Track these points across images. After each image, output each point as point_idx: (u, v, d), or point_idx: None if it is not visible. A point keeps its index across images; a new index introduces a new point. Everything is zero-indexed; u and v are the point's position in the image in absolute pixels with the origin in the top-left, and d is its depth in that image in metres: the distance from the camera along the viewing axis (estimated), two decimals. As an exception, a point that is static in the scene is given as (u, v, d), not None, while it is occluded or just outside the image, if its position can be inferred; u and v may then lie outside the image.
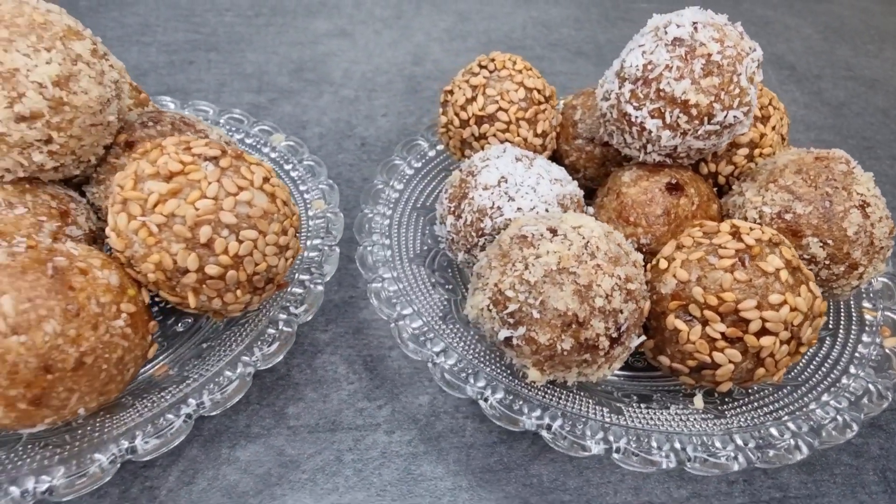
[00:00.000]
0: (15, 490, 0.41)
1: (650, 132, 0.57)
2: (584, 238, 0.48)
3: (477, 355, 0.54)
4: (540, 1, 1.41)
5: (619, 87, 0.58)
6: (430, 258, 0.65)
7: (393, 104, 1.02)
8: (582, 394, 0.52)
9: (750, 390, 0.54)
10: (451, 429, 0.56)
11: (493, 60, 0.67)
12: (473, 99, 0.66)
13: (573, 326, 0.46)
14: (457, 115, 0.67)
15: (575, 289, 0.46)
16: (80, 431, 0.46)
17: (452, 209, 0.60)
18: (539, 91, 0.67)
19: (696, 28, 0.55)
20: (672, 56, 0.54)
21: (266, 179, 0.50)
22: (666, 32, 0.55)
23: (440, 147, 0.78)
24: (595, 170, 0.69)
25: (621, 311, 0.48)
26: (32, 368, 0.41)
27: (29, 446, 0.46)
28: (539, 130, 0.66)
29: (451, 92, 0.69)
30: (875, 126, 1.08)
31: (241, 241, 0.47)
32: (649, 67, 0.55)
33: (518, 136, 0.66)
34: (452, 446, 0.55)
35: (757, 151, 0.64)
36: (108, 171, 0.57)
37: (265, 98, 1.01)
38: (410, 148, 0.76)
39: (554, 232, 0.49)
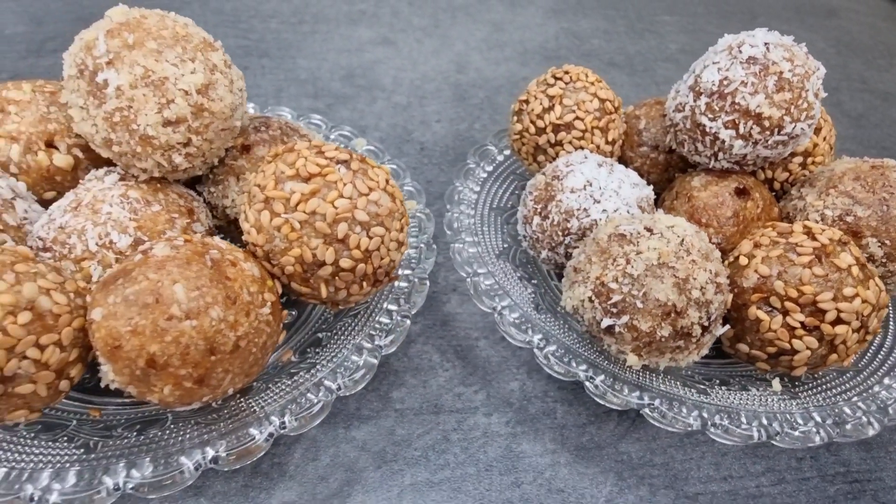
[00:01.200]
0: (186, 461, 0.45)
1: (723, 141, 0.62)
2: (678, 236, 0.54)
3: (572, 342, 0.59)
4: (568, 12, 1.47)
5: (695, 101, 0.63)
6: (511, 255, 0.70)
7: (444, 111, 1.06)
8: (669, 377, 0.57)
9: (816, 375, 0.59)
10: (543, 411, 0.61)
11: (567, 73, 0.73)
12: (551, 108, 0.71)
13: (672, 315, 0.52)
14: (533, 123, 0.72)
15: (674, 281, 0.52)
16: (224, 411, 0.51)
17: (539, 210, 0.65)
18: (610, 102, 0.72)
19: (768, 48, 0.60)
20: (747, 73, 0.60)
21: (387, 181, 0.55)
22: (740, 51, 0.61)
23: (507, 152, 0.83)
24: (658, 175, 0.75)
25: (712, 302, 0.53)
26: (200, 350, 0.46)
27: (179, 423, 0.50)
28: (610, 138, 0.72)
29: (527, 102, 0.74)
30: (893, 137, 1.15)
31: (370, 238, 0.52)
32: (725, 83, 0.61)
33: (592, 143, 0.71)
34: (546, 427, 0.60)
35: (810, 160, 0.70)
36: (225, 173, 0.61)
37: (322, 103, 1.05)
38: (482, 153, 0.81)
39: (651, 231, 0.54)
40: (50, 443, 0.48)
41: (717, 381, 0.58)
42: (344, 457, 0.56)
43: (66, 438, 0.48)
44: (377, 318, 0.58)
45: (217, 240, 0.51)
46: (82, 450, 0.47)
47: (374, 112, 1.04)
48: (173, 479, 0.45)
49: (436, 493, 0.54)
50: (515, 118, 0.75)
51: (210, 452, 0.46)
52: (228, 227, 0.63)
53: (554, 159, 0.72)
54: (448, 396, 0.61)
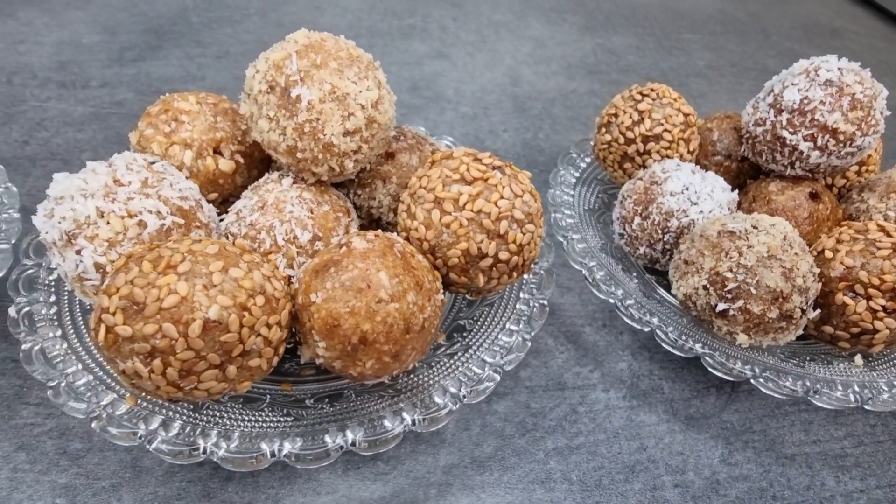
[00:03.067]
0: (389, 424, 0.53)
1: (801, 152, 0.72)
2: (781, 233, 0.63)
3: (681, 326, 0.67)
4: (599, 29, 1.57)
5: (776, 116, 0.73)
6: (608, 251, 0.78)
7: (507, 121, 1.15)
8: (767, 353, 0.66)
9: (887, 352, 0.69)
10: (651, 387, 0.69)
11: (653, 90, 0.82)
12: (640, 121, 0.80)
13: (779, 300, 0.61)
14: (622, 134, 0.81)
15: (782, 271, 0.61)
16: (398, 386, 0.58)
17: (639, 211, 0.74)
18: (691, 115, 0.81)
19: (841, 72, 0.70)
20: (825, 93, 0.70)
21: (531, 185, 0.63)
22: (818, 75, 0.71)
23: (588, 159, 0.91)
24: (730, 181, 0.84)
25: (810, 289, 0.62)
26: (400, 329, 0.53)
27: (364, 396, 0.57)
28: (690, 148, 0.81)
29: (616, 115, 0.83)
30: (906, 148, 1.27)
31: (524, 233, 0.60)
32: (805, 102, 0.70)
33: (676, 152, 0.80)
34: (657, 401, 0.68)
35: (864, 168, 0.81)
36: (372, 177, 0.68)
37: (397, 114, 1.12)
38: (568, 161, 0.89)
39: (756, 228, 0.63)
40: (258, 412, 0.54)
41: (807, 358, 0.67)
42: (491, 427, 0.63)
43: (269, 409, 0.55)
44: (516, 306, 0.66)
45: (394, 235, 0.59)
46: (290, 418, 0.54)
47: (445, 122, 1.12)
48: (384, 440, 0.52)
49: (576, 455, 0.62)
50: (604, 130, 0.84)
51: (408, 418, 0.53)
52: (370, 226, 0.71)
53: (640, 167, 0.81)
54: (568, 375, 0.70)
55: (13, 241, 0.64)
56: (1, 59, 1.09)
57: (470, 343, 0.62)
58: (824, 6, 1.96)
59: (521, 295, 0.67)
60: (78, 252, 0.53)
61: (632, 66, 1.42)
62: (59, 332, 0.57)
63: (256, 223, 0.59)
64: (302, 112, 0.58)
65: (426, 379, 0.59)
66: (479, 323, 0.65)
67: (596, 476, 0.60)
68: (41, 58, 1.12)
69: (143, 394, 0.52)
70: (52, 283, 0.61)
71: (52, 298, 0.60)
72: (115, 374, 0.50)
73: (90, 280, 0.54)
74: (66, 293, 0.61)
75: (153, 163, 0.59)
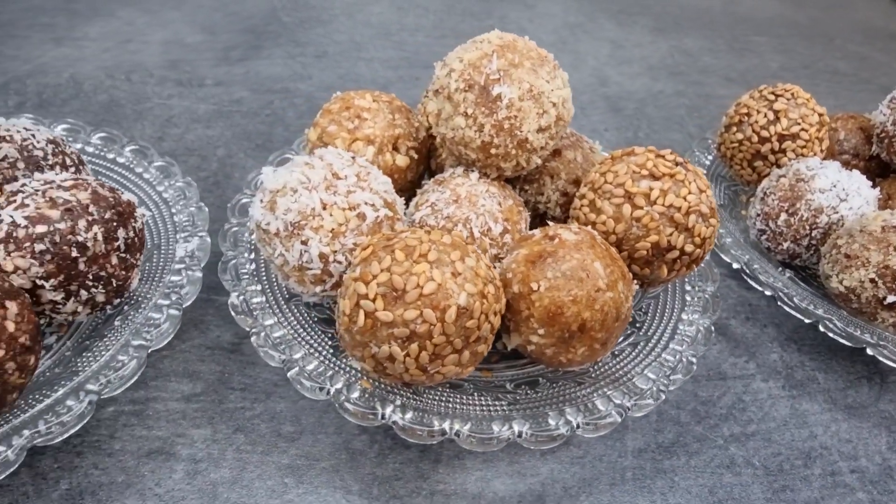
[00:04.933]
0: (602, 407, 0.55)
1: (944, 151, 0.75)
2: (945, 227, 0.65)
3: (843, 317, 0.70)
4: (670, 31, 1.60)
5: (917, 116, 0.75)
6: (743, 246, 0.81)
7: (607, 121, 1.17)
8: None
9: None
10: (806, 378, 0.72)
11: (786, 90, 0.84)
12: (776, 120, 0.82)
13: (949, 292, 0.63)
14: (756, 133, 0.84)
15: (953, 264, 0.63)
16: (592, 374, 0.60)
17: (786, 208, 0.76)
18: (824, 115, 0.84)
19: None
20: (973, 94, 0.72)
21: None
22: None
23: (710, 157, 0.94)
24: (856, 179, 0.87)
25: (974, 282, 0.65)
26: (612, 317, 0.55)
27: (558, 383, 0.59)
28: (823, 147, 0.84)
29: (748, 115, 0.85)
30: None
31: (708, 227, 0.62)
32: (952, 102, 0.73)
33: (812, 151, 0.82)
34: (815, 391, 0.70)
35: None
36: (540, 173, 0.71)
37: (500, 112, 1.15)
38: (695, 160, 0.92)
39: (921, 223, 0.66)
40: (469, 396, 0.57)
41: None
42: (666, 414, 0.65)
43: (477, 394, 0.57)
44: (685, 297, 0.68)
45: (588, 228, 0.61)
46: (504, 402, 0.56)
47: (547, 121, 1.14)
48: (602, 424, 0.54)
49: (752, 442, 0.64)
50: (734, 129, 0.86)
51: (620, 402, 0.56)
52: (533, 221, 0.73)
53: (772, 165, 0.84)
54: (726, 365, 0.72)
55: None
56: (115, 58, 1.12)
57: (650, 334, 0.65)
58: (875, 10, 1.99)
59: (686, 287, 0.69)
60: (304, 242, 0.55)
61: (709, 67, 1.44)
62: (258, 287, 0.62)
63: (453, 216, 0.61)
64: (501, 109, 0.60)
65: (618, 367, 0.61)
66: (648, 314, 0.67)
67: (776, 461, 0.62)
68: (152, 56, 1.14)
69: (380, 379, 0.54)
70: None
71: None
72: (353, 361, 0.53)
73: (311, 269, 0.56)
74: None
75: (354, 158, 0.62)
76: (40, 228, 0.51)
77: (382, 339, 0.49)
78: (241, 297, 0.59)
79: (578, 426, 0.53)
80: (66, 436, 0.47)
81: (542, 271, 0.54)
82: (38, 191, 0.54)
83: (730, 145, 0.87)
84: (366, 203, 0.57)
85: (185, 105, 1.02)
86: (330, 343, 0.59)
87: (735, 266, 0.75)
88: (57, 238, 0.51)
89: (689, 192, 0.61)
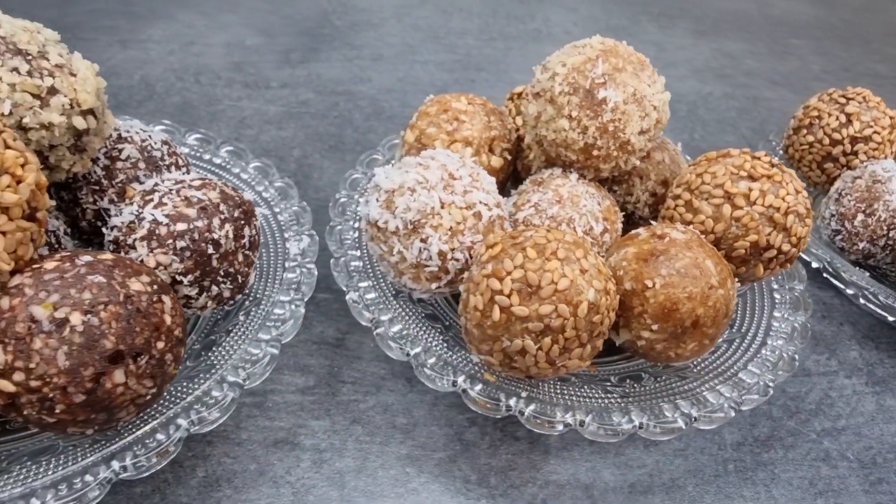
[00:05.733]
0: (713, 400, 0.57)
1: None
2: None
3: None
4: (710, 34, 1.62)
5: None
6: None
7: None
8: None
9: None
10: (888, 375, 0.74)
11: (857, 93, 0.86)
12: (849, 123, 0.84)
13: None
14: (827, 135, 0.85)
15: None
16: (692, 370, 0.62)
17: (863, 209, 0.78)
18: (894, 118, 0.85)
19: None
20: None
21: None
22: None
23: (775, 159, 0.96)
24: (923, 181, 0.89)
25: None
26: (721, 314, 0.57)
27: (662, 376, 0.61)
28: (893, 149, 0.85)
29: (819, 118, 0.87)
30: None
31: (803, 227, 0.64)
32: None
33: (884, 153, 0.84)
34: (896, 387, 0.72)
35: None
36: (629, 174, 0.72)
37: (557, 114, 1.17)
38: (762, 160, 0.94)
39: None
40: (581, 389, 0.59)
41: None
42: (759, 409, 0.67)
43: (587, 387, 0.59)
44: (773, 295, 0.70)
45: (691, 227, 0.63)
46: (615, 395, 0.58)
47: (604, 123, 1.16)
48: (714, 418, 0.56)
49: (844, 436, 0.66)
50: (804, 131, 0.88)
51: (729, 394, 0.58)
52: (620, 220, 0.75)
53: (843, 167, 0.86)
54: (809, 362, 0.74)
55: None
56: (181, 60, 1.14)
57: (744, 331, 0.67)
58: (906, 13, 2.01)
59: (773, 285, 0.71)
60: (423, 240, 0.57)
61: (753, 70, 1.46)
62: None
63: (557, 216, 0.63)
64: (606, 112, 0.62)
65: (719, 363, 0.63)
66: (738, 312, 0.69)
67: (869, 455, 0.64)
68: (216, 59, 1.16)
69: (503, 372, 0.56)
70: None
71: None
72: (474, 355, 0.55)
73: (429, 267, 0.58)
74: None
75: (464, 159, 0.64)
76: (181, 226, 0.53)
77: (516, 333, 0.51)
78: (357, 294, 0.61)
79: (696, 419, 0.55)
80: (216, 425, 0.49)
81: (655, 269, 0.56)
82: (171, 190, 0.56)
83: (798, 147, 0.89)
84: (481, 202, 0.59)
85: (255, 107, 1.04)
86: (441, 338, 0.61)
87: (815, 265, 0.77)
88: (196, 235, 0.53)
89: (788, 193, 0.63)
